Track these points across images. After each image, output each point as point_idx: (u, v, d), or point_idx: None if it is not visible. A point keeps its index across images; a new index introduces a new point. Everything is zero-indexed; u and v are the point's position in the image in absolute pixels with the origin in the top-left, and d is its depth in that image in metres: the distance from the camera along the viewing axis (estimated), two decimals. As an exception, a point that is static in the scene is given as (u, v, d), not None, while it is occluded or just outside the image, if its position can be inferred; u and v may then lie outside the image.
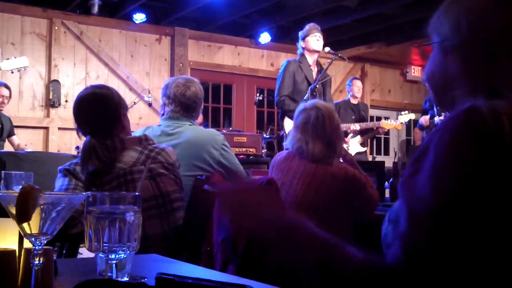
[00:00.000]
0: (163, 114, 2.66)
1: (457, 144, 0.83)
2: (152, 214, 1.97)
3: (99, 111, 2.05)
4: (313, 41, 4.60)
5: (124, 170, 1.98)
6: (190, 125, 2.60)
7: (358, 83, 6.40)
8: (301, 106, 2.67)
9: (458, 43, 0.95)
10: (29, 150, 5.61)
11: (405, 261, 0.83)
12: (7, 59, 5.30)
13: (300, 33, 4.69)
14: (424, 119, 6.14)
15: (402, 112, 6.34)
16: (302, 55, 4.67)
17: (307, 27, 4.66)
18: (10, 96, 5.68)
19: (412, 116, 6.26)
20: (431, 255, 0.82)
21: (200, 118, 6.77)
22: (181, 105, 2.59)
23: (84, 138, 2.05)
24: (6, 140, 5.74)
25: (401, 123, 6.21)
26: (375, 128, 5.97)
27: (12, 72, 5.34)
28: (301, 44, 4.66)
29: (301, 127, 2.60)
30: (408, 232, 0.85)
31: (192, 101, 2.60)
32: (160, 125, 2.63)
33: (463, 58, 0.96)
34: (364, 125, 5.84)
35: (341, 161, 2.80)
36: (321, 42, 4.62)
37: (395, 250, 0.86)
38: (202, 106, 2.70)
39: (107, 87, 2.13)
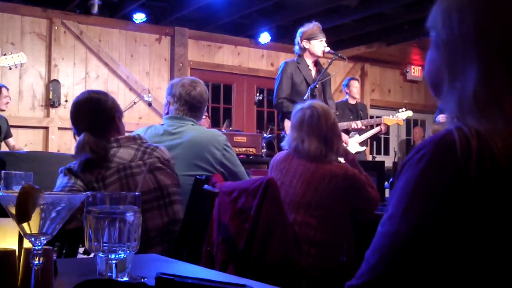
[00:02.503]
0: (167, 113, 2.68)
1: (426, 177, 0.83)
2: (152, 207, 2.02)
3: (94, 113, 2.12)
4: (319, 46, 4.46)
5: (124, 165, 2.03)
6: (192, 125, 2.61)
7: (355, 84, 6.35)
8: (298, 106, 2.68)
9: (449, 38, 0.92)
10: (24, 150, 5.61)
11: (362, 285, 0.83)
12: (4, 55, 5.29)
13: (301, 30, 4.51)
14: (442, 118, 6.13)
15: (400, 110, 6.33)
16: (301, 55, 4.54)
17: (312, 27, 4.48)
18: (9, 96, 5.76)
19: (410, 113, 6.26)
20: (388, 283, 0.81)
21: (207, 123, 6.73)
22: (186, 104, 2.63)
23: None
24: (3, 141, 5.74)
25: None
26: (375, 126, 5.96)
27: (10, 69, 5.33)
28: (303, 44, 4.49)
29: (297, 125, 2.61)
30: (371, 256, 0.85)
31: (197, 101, 2.64)
32: (162, 124, 2.64)
33: (452, 55, 0.92)
34: (365, 122, 5.81)
35: (343, 161, 2.80)
36: (326, 47, 4.51)
37: (361, 270, 0.85)
38: (205, 108, 2.74)
39: (103, 92, 2.22)
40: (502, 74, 0.85)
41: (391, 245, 0.83)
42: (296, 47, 4.57)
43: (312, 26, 4.49)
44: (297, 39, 4.54)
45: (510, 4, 0.87)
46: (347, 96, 6.34)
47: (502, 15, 0.87)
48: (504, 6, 0.88)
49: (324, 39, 4.50)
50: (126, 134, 2.20)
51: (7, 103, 5.68)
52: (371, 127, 5.97)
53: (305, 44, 4.49)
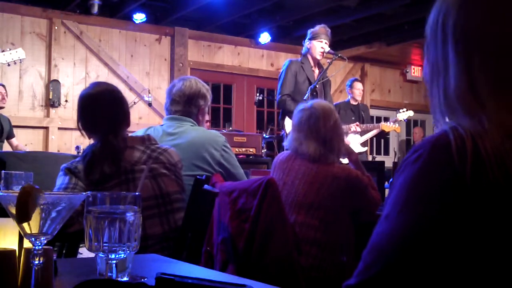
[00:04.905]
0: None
1: (422, 177, 0.83)
2: (152, 214, 1.97)
3: (114, 110, 2.06)
4: (317, 47, 4.52)
5: (126, 169, 1.98)
6: (191, 125, 2.61)
7: (358, 85, 6.36)
8: (300, 106, 2.67)
9: (435, 40, 0.93)
10: (27, 150, 5.61)
11: (358, 284, 0.83)
12: (2, 51, 5.27)
13: (309, 31, 4.59)
14: None
15: (401, 110, 6.35)
16: (305, 55, 4.61)
17: (317, 28, 4.55)
18: (6, 92, 5.70)
19: (411, 113, 6.28)
20: (384, 282, 0.81)
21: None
22: (176, 100, 2.62)
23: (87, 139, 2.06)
24: (5, 141, 5.74)
25: (400, 120, 6.25)
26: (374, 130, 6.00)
27: (9, 65, 5.32)
28: (306, 43, 4.58)
29: (296, 126, 2.60)
30: (368, 255, 0.85)
31: (185, 94, 2.61)
32: (162, 125, 2.64)
33: (437, 54, 0.93)
34: (364, 126, 5.86)
35: (347, 160, 2.80)
36: (326, 49, 4.54)
37: (358, 269, 0.85)
38: (202, 104, 2.67)
39: (112, 84, 2.18)
40: (483, 73, 0.86)
41: (388, 245, 0.83)
42: (303, 47, 4.66)
43: (318, 28, 4.57)
44: (305, 40, 4.66)
45: (489, 5, 0.88)
46: (349, 97, 6.35)
47: (481, 14, 0.88)
48: (484, 6, 0.88)
49: (325, 41, 4.53)
50: (134, 134, 2.17)
51: (3, 98, 5.62)
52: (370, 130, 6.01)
53: (307, 44, 4.58)
